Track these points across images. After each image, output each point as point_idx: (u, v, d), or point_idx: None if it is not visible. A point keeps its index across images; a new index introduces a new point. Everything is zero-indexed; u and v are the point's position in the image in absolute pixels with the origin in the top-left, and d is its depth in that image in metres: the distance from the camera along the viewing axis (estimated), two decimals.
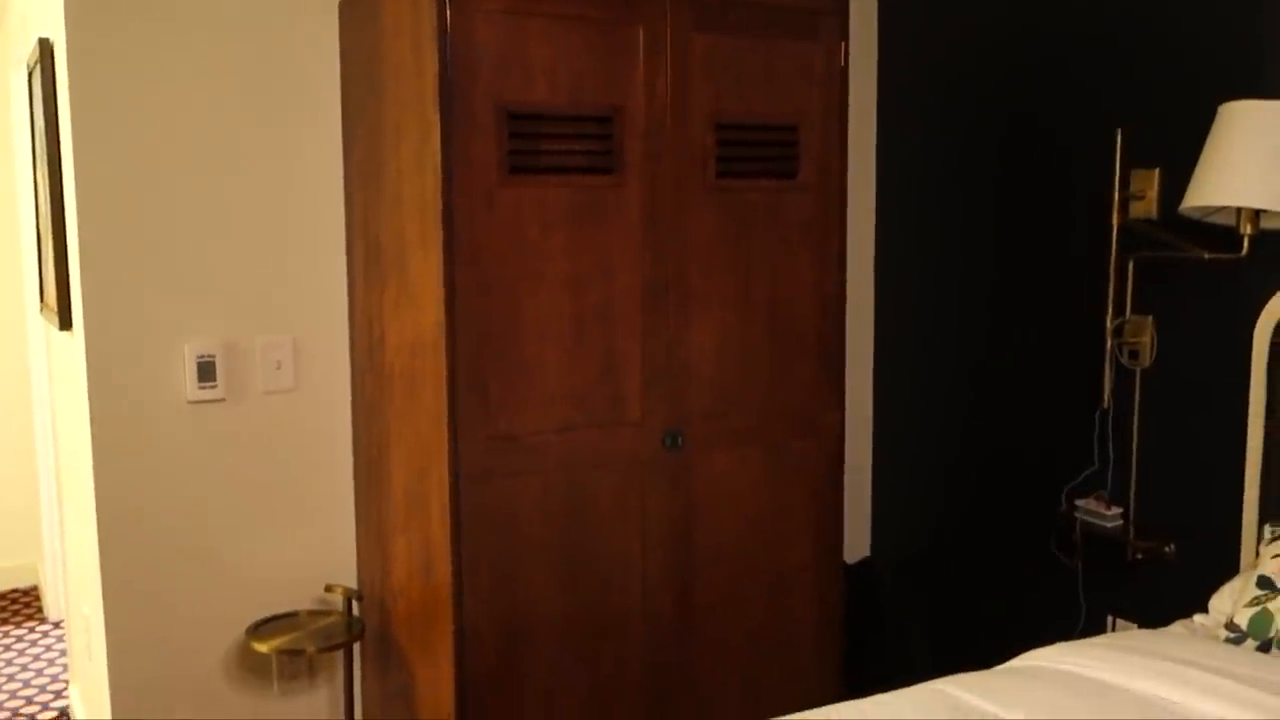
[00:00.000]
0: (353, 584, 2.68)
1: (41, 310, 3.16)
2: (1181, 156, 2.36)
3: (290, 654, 2.40)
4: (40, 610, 4.29)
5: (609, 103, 2.20)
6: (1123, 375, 2.61)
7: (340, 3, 2.52)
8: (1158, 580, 2.57)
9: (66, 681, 3.60)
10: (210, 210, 2.46)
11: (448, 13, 2.04)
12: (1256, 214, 2.23)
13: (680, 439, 2.33)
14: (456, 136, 2.07)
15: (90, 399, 2.39)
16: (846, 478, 2.76)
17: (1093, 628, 2.71)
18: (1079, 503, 2.69)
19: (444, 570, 2.17)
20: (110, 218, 2.37)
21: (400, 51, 2.20)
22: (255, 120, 2.49)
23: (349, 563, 2.69)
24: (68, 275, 2.52)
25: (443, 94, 2.05)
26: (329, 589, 2.60)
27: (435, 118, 2.06)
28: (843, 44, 2.44)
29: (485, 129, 2.09)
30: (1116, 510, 2.62)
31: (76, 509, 2.81)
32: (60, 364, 2.96)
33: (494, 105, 2.09)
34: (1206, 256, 2.35)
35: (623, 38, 2.20)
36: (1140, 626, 2.53)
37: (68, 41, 2.31)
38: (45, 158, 2.64)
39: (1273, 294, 2.27)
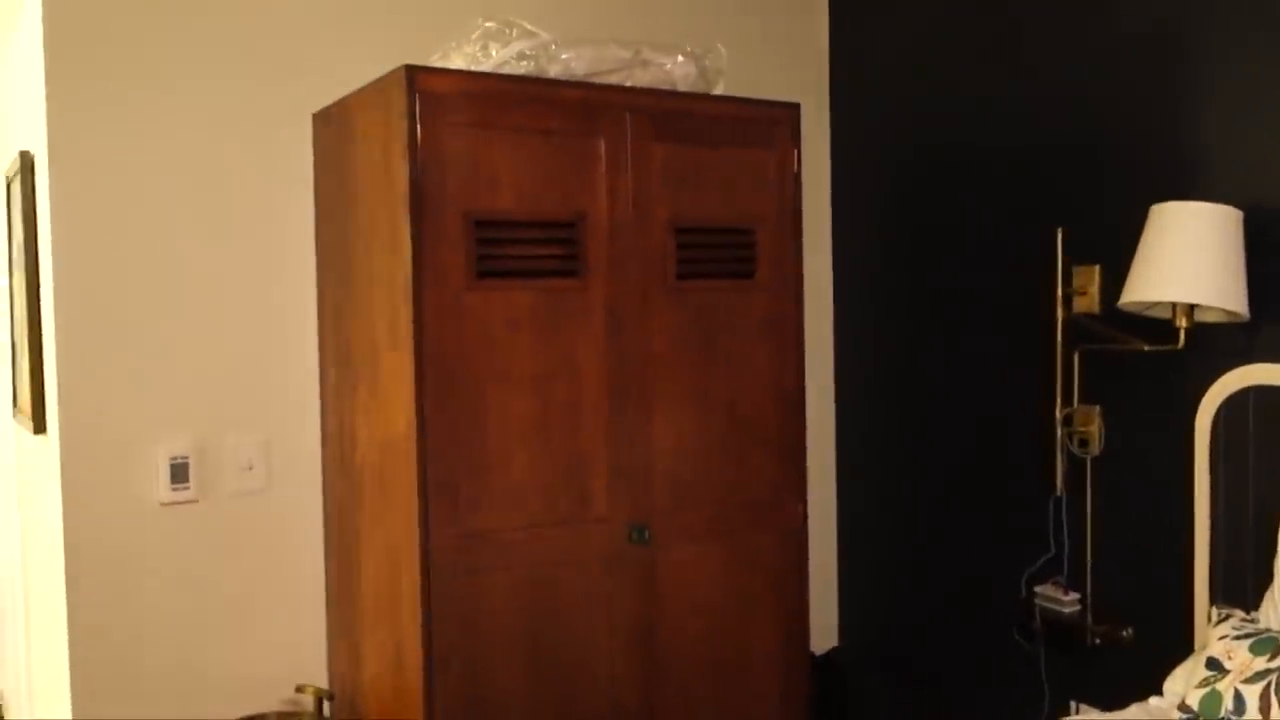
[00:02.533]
0: (324, 684, 2.68)
1: (15, 415, 3.19)
2: (1120, 254, 2.48)
3: None
4: None
5: (573, 209, 2.30)
6: (1074, 463, 2.70)
7: (315, 113, 2.62)
8: (1117, 664, 2.62)
9: None
10: (184, 313, 2.52)
11: (418, 126, 2.14)
12: (1190, 308, 2.34)
13: (646, 534, 2.38)
14: (426, 242, 2.15)
15: (64, 502, 2.41)
16: (813, 567, 2.80)
17: (1057, 713, 2.74)
18: (1038, 589, 2.75)
19: (414, 667, 2.19)
20: (87, 322, 2.42)
21: (372, 162, 2.30)
22: (230, 224, 2.57)
23: (320, 662, 2.69)
24: (43, 380, 2.56)
25: (413, 202, 2.13)
26: (300, 689, 2.60)
27: (406, 225, 2.14)
28: (795, 151, 2.56)
29: (453, 235, 2.18)
30: (1074, 596, 2.68)
31: (45, 615, 2.81)
32: (32, 469, 2.98)
33: (462, 212, 2.18)
34: (1146, 349, 2.46)
35: (585, 148, 2.31)
36: (1103, 710, 2.57)
37: (49, 155, 2.39)
38: (24, 266, 2.71)
39: (1210, 383, 2.37)
